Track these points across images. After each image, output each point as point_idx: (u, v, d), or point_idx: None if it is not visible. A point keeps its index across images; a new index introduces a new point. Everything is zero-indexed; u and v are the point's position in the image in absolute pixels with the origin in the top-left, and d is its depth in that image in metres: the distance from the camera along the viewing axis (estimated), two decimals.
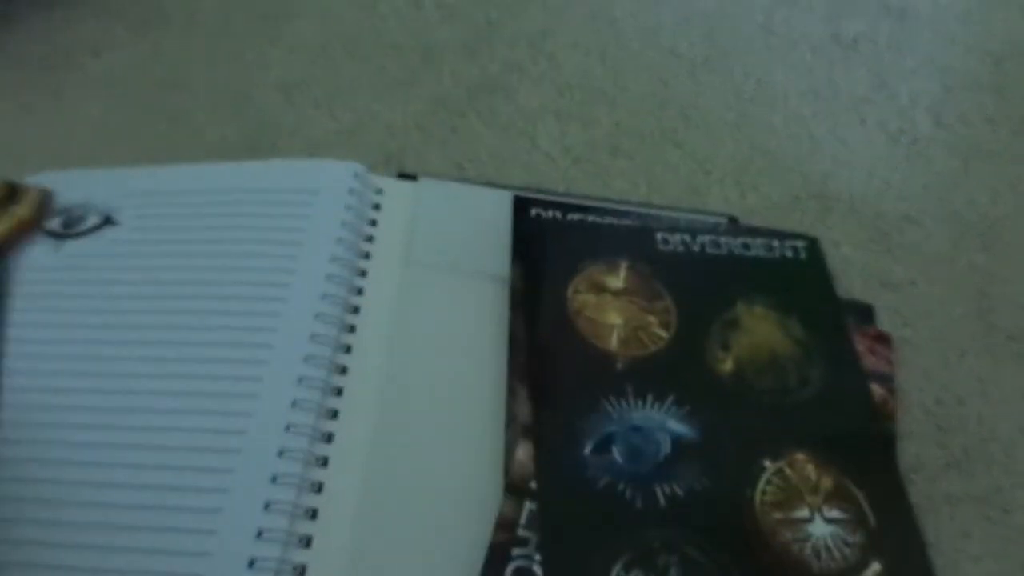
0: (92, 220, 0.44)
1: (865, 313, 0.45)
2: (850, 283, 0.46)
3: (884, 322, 0.44)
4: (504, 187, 0.48)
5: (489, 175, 0.50)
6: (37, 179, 0.47)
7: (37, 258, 0.43)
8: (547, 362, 0.41)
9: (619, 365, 0.41)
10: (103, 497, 0.35)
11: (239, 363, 0.39)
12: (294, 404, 0.38)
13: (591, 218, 0.48)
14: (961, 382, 0.43)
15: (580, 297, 0.44)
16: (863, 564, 0.36)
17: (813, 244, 0.47)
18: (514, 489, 0.37)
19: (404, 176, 0.50)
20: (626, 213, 0.48)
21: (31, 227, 0.43)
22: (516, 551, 0.35)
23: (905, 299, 0.45)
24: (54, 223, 0.44)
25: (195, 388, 0.38)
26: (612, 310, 0.43)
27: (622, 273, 0.45)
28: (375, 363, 0.41)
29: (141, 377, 0.39)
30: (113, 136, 0.54)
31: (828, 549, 0.37)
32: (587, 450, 0.38)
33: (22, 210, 0.43)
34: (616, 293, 0.44)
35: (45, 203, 0.45)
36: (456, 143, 0.53)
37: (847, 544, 0.37)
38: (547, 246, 0.46)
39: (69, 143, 0.53)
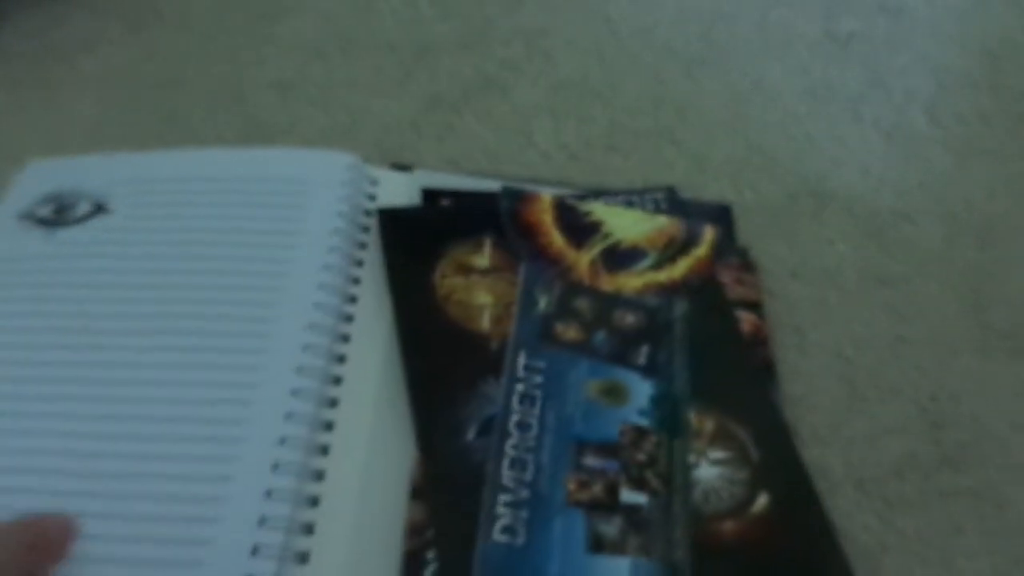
0: (84, 208, 0.44)
1: (723, 214, 0.47)
2: (845, 280, 0.46)
3: (879, 320, 0.44)
4: (499, 177, 0.48)
5: (485, 173, 0.50)
6: (27, 166, 0.47)
7: (28, 246, 0.43)
8: (421, 354, 0.40)
9: (493, 345, 0.40)
10: (97, 488, 0.35)
11: (235, 352, 0.39)
12: (294, 392, 0.38)
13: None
14: (955, 379, 0.43)
15: (448, 281, 0.42)
16: (751, 498, 0.37)
17: (671, 192, 0.48)
18: (420, 493, 0.36)
19: (399, 167, 0.50)
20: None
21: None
22: (430, 555, 0.35)
23: (900, 296, 0.46)
24: (45, 211, 0.44)
25: (190, 378, 0.38)
26: (481, 290, 0.42)
27: (487, 251, 0.44)
28: (373, 352, 0.41)
29: (134, 366, 0.39)
30: (107, 133, 0.54)
31: (716, 491, 0.37)
32: (471, 436, 0.37)
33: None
34: (484, 272, 0.43)
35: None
36: (452, 141, 0.53)
37: (733, 483, 0.37)
38: (409, 236, 0.44)
39: (63, 140, 0.53)
